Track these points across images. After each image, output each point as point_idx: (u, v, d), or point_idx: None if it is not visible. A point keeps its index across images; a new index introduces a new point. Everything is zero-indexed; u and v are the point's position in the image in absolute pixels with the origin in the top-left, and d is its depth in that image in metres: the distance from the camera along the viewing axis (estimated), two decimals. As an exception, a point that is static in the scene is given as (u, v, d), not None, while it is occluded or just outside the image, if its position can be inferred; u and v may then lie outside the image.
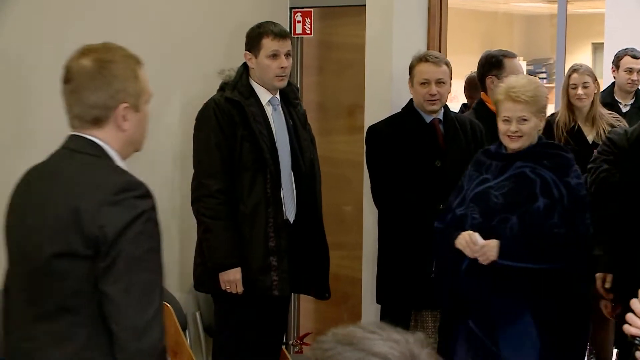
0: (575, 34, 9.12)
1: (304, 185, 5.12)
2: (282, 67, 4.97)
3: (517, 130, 4.42)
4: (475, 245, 4.35)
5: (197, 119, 5.06)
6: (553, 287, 4.35)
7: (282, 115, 5.06)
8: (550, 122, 6.20)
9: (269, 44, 4.97)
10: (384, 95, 5.71)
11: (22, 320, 2.94)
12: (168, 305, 5.27)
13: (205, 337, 5.77)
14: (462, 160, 4.87)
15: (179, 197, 5.80)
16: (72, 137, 3.00)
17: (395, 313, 5.19)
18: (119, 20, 5.55)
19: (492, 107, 5.50)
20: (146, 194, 2.88)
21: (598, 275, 5.00)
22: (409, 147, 5.14)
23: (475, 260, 4.34)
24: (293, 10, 6.27)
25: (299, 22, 6.23)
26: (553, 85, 10.75)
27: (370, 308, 5.77)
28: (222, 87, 5.05)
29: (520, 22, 10.97)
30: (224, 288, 4.89)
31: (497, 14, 10.64)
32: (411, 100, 5.26)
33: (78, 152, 2.97)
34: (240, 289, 4.86)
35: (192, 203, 4.99)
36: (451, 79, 5.26)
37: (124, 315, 2.78)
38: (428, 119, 5.19)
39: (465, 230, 4.39)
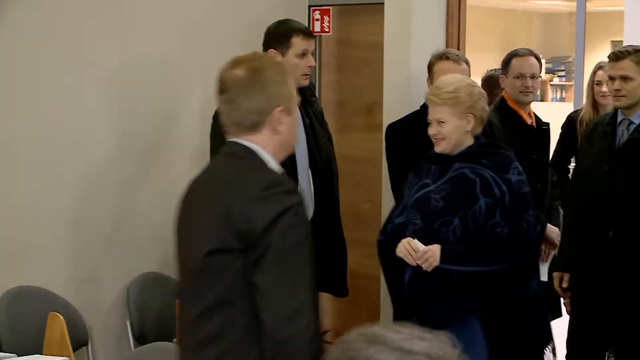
0: (594, 31, 9.12)
1: (322, 183, 5.16)
2: (309, 66, 5.01)
3: (436, 132, 4.35)
4: (416, 252, 4.28)
5: (213, 119, 5.09)
6: (499, 289, 4.28)
7: (299, 113, 5.08)
8: (573, 118, 6.25)
9: (299, 43, 4.98)
10: (403, 93, 5.75)
11: (187, 318, 3.14)
12: None
13: None
14: None
15: (198, 195, 5.84)
16: (229, 143, 3.20)
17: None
18: (139, 19, 5.61)
19: (512, 104, 5.54)
20: (293, 190, 3.07)
21: (555, 274, 5.08)
22: (428, 144, 5.16)
23: (419, 267, 4.26)
24: (312, 8, 6.34)
25: (317, 20, 6.28)
26: (572, 83, 10.76)
27: (389, 305, 5.80)
28: None
29: (539, 20, 10.98)
30: None
31: (516, 12, 10.66)
32: None
33: (234, 157, 3.16)
34: None
35: None
36: (469, 77, 5.29)
37: (272, 304, 2.94)
38: None
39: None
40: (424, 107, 5.32)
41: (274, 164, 3.14)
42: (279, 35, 5.02)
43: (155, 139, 5.77)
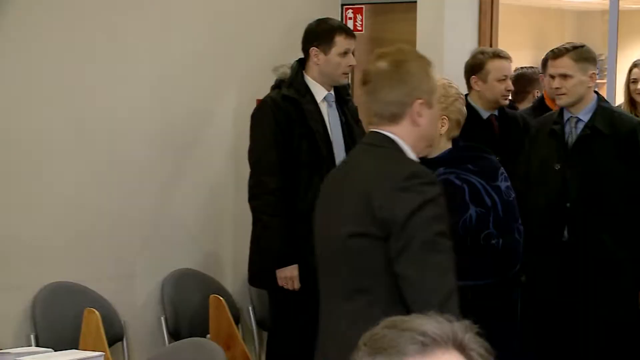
0: (627, 30, 9.07)
1: None
2: (350, 66, 5.03)
3: None
4: None
5: (253, 117, 5.10)
6: (485, 303, 3.97)
7: (337, 111, 5.10)
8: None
9: (342, 42, 5.00)
10: (435, 91, 5.75)
11: (328, 302, 3.20)
12: (221, 298, 5.38)
13: (258, 330, 5.88)
14: (516, 155, 4.92)
15: (232, 193, 5.89)
16: (370, 133, 3.28)
17: None
18: (175, 18, 5.65)
19: (551, 104, 5.54)
20: (433, 181, 3.13)
21: None
22: (466, 142, 5.17)
23: None
24: (344, 6, 6.35)
25: (350, 18, 6.30)
26: (604, 81, 10.70)
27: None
28: (278, 85, 5.08)
29: (571, 18, 10.92)
30: (281, 284, 4.95)
31: (548, 10, 10.61)
32: (466, 95, 5.30)
33: (374, 146, 3.23)
34: (297, 285, 4.91)
35: (250, 200, 5.05)
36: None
37: (420, 296, 2.99)
38: (485, 114, 5.24)
39: None
40: None
41: (412, 155, 3.19)
42: (321, 33, 5.03)
43: (191, 138, 5.81)
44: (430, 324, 1.64)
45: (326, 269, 3.25)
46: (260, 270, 5.06)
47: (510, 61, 5.35)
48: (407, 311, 2.92)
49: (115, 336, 5.25)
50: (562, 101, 4.78)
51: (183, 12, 5.68)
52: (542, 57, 5.70)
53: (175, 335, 5.55)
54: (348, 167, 3.33)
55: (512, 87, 5.33)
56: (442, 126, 4.06)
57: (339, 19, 6.19)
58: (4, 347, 4.23)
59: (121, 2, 5.45)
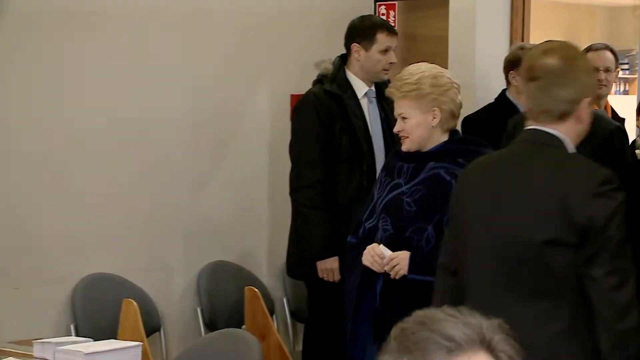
0: (658, 25, 9.04)
1: None
2: (391, 63, 5.04)
3: (399, 129, 3.92)
4: (382, 258, 3.83)
5: (295, 111, 5.13)
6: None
7: (377, 107, 5.14)
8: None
9: (383, 39, 5.02)
10: (468, 86, 5.77)
11: (493, 302, 3.01)
12: (256, 290, 5.42)
13: (292, 322, 5.92)
14: None
15: (267, 186, 5.94)
16: (534, 131, 3.19)
17: None
18: (206, 13, 5.69)
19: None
20: (620, 187, 3.08)
21: None
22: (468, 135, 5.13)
23: (390, 277, 3.81)
24: (377, 3, 6.34)
25: (383, 14, 6.27)
26: (635, 76, 10.67)
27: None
28: (320, 80, 5.09)
29: (602, 13, 10.90)
30: (321, 276, 4.98)
31: (579, 6, 10.59)
32: (504, 90, 5.32)
33: (545, 145, 3.15)
34: (337, 277, 4.91)
35: (291, 193, 5.08)
36: None
37: (608, 296, 2.98)
38: (523, 109, 5.23)
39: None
40: (499, 100, 5.34)
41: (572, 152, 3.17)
42: (363, 30, 5.04)
43: (227, 134, 5.86)
44: (457, 326, 1.62)
45: (498, 271, 3.12)
46: (300, 262, 5.09)
47: None
48: (592, 313, 2.98)
49: (152, 327, 5.31)
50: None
51: (217, 9, 5.73)
52: None
53: (210, 326, 5.59)
54: (516, 165, 3.19)
55: (602, 77, 5.29)
56: (434, 118, 3.87)
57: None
58: (45, 337, 4.29)
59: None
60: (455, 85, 3.97)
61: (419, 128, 3.88)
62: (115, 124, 5.34)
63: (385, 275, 3.85)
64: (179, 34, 5.60)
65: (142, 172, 5.46)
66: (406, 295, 3.78)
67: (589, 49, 5.66)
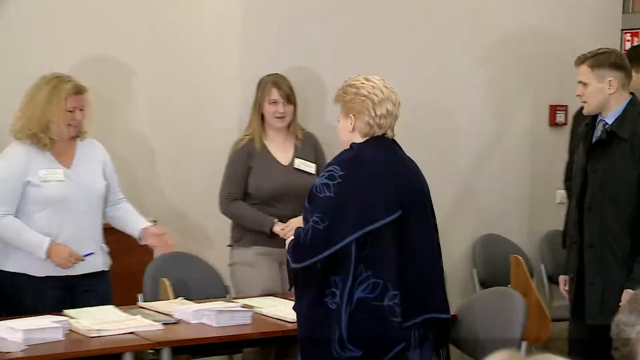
0: None
1: None
2: None
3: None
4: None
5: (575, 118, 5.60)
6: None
7: None
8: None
9: None
10: None
11: None
12: (519, 257, 5.54)
13: (549, 284, 6.52)
14: None
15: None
16: None
17: None
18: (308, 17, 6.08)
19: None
20: None
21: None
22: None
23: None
24: (624, 31, 6.58)
25: (628, 41, 6.52)
26: None
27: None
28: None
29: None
30: None
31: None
32: None
33: None
34: None
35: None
36: None
37: None
38: None
39: None
40: None
41: None
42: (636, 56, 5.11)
43: (494, 135, 6.59)
44: None
45: None
46: None
47: None
48: None
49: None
50: (585, 109, 4.57)
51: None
52: None
53: (483, 284, 6.25)
54: None
55: None
56: (351, 123, 3.78)
57: (619, 43, 6.54)
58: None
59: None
60: (369, 96, 3.78)
61: (342, 132, 3.86)
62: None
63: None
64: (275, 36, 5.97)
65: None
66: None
67: None
